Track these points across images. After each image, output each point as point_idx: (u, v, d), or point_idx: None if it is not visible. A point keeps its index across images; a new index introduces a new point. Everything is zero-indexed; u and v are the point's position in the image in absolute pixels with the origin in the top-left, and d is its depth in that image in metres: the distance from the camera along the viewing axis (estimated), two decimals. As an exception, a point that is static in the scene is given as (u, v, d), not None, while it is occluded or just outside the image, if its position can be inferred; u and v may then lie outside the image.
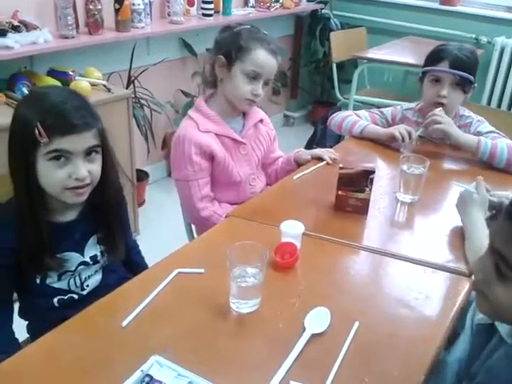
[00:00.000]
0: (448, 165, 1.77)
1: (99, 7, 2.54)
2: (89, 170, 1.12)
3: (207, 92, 1.71)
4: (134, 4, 2.71)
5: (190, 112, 1.67)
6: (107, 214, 1.24)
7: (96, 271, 1.28)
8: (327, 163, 1.70)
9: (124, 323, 0.99)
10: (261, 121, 1.77)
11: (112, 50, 2.75)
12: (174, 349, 0.93)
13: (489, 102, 3.53)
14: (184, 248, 1.24)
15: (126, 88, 2.83)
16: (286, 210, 1.44)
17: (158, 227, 2.82)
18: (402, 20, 3.81)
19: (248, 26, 1.63)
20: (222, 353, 0.95)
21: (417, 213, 1.47)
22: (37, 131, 1.04)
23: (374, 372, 0.91)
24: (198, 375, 0.87)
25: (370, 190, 1.37)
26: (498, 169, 1.68)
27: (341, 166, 1.38)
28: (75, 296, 1.25)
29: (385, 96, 3.40)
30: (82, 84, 2.32)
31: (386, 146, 1.83)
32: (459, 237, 1.31)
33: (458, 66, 1.72)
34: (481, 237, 1.24)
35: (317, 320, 1.01)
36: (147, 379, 0.86)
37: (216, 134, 1.63)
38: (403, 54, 3.42)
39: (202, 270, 1.14)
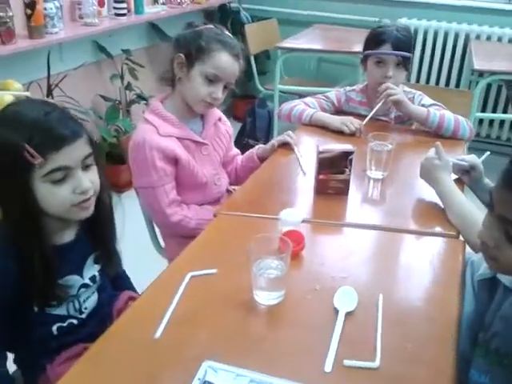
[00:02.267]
0: (401, 139, 1.87)
1: (10, 14, 2.34)
2: (90, 180, 1.04)
3: (164, 91, 1.65)
4: (45, 8, 2.53)
5: (147, 115, 1.61)
6: (104, 228, 1.17)
7: (93, 292, 1.21)
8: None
9: (156, 335, 0.95)
10: (219, 119, 1.75)
11: (27, 59, 2.56)
12: (219, 351, 0.91)
13: (418, 80, 3.77)
14: (187, 251, 1.21)
15: (47, 97, 2.65)
16: (271, 200, 1.46)
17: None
18: (308, 9, 3.94)
19: (211, 26, 1.59)
20: (267, 346, 0.94)
21: (390, 187, 1.54)
22: (27, 153, 0.95)
23: (413, 337, 0.96)
24: (255, 371, 0.86)
25: (350, 170, 1.42)
26: (444, 137, 1.81)
27: (320, 150, 1.41)
28: (74, 321, 1.17)
29: (304, 84, 3.51)
30: (4, 98, 2.13)
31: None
32: (435, 202, 1.40)
33: (400, 47, 1.82)
34: (460, 200, 1.33)
35: (345, 299, 1.04)
36: (207, 386, 0.83)
37: (177, 138, 1.59)
38: (316, 41, 3.57)
39: (215, 271, 1.12)
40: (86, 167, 1.05)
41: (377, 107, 1.83)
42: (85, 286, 1.16)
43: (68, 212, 1.04)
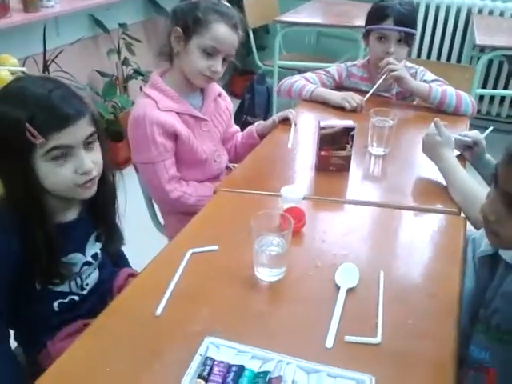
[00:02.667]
0: (403, 115, 1.85)
1: (4, -14, 2.30)
2: (92, 160, 1.03)
3: (162, 66, 1.62)
4: (40, -19, 2.48)
5: (146, 89, 1.58)
6: (107, 206, 1.16)
7: (94, 269, 1.21)
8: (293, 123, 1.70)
9: (158, 312, 0.95)
10: (219, 95, 1.72)
11: (22, 34, 2.52)
12: (220, 328, 0.91)
13: (419, 55, 3.71)
14: (187, 228, 1.20)
15: (43, 72, 2.61)
16: (271, 177, 1.45)
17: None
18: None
19: None
20: (269, 322, 0.95)
21: (392, 163, 1.53)
22: (28, 133, 0.93)
23: (414, 313, 0.96)
24: (256, 348, 0.86)
25: (351, 146, 1.41)
26: (446, 113, 1.79)
27: (322, 126, 1.40)
28: (76, 297, 1.17)
29: (304, 59, 3.45)
30: (1, 74, 2.10)
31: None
32: (436, 178, 1.40)
33: (402, 22, 1.78)
34: (462, 176, 1.32)
35: (347, 275, 1.04)
36: (209, 362, 0.83)
37: (177, 113, 1.57)
38: (316, 15, 3.50)
39: (216, 247, 1.12)
40: (88, 147, 1.03)
41: (378, 83, 1.81)
42: (87, 263, 1.16)
43: (71, 191, 1.03)
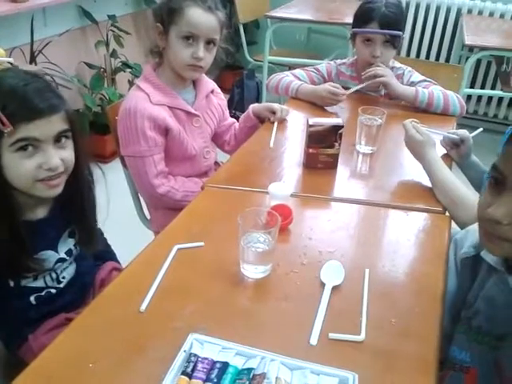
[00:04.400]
0: (391, 113, 1.86)
1: (-9, -25, 2.26)
2: (61, 157, 1.02)
3: (155, 59, 1.61)
4: (28, -30, 2.45)
5: (139, 82, 1.58)
6: (82, 205, 1.15)
7: (70, 263, 1.20)
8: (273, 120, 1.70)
9: (142, 307, 0.95)
10: (212, 91, 1.71)
11: (10, 24, 2.48)
12: (205, 324, 0.91)
13: (408, 54, 3.72)
14: (173, 224, 1.20)
15: (30, 63, 2.58)
16: (259, 174, 1.45)
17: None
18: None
19: None
20: (253, 319, 0.95)
21: (379, 162, 1.54)
22: None
23: (398, 312, 0.97)
24: (240, 344, 0.86)
25: (339, 144, 1.41)
26: (436, 113, 1.80)
27: (310, 123, 1.40)
28: (52, 290, 1.17)
29: (294, 55, 3.45)
30: (-13, 63, 2.07)
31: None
32: (423, 177, 1.40)
33: (387, 25, 1.77)
34: (446, 176, 1.32)
35: (332, 273, 1.04)
36: (193, 358, 0.83)
37: (169, 107, 1.56)
38: (307, 11, 3.50)
39: (202, 243, 1.12)
40: (59, 144, 1.03)
41: (362, 85, 1.82)
42: (61, 260, 1.16)
43: (33, 187, 1.02)
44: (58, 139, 1.02)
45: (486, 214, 0.84)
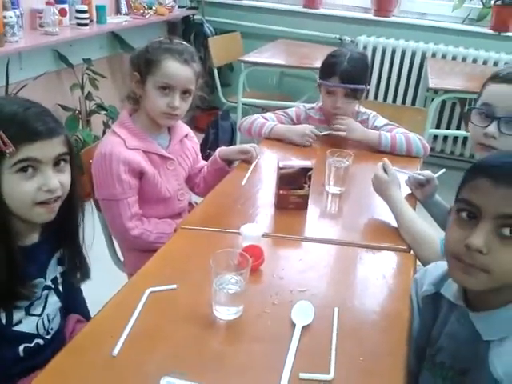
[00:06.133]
0: (359, 154, 1.93)
1: (-31, 21, 2.30)
2: (59, 180, 1.04)
3: (131, 105, 1.65)
4: (5, 17, 2.50)
5: (115, 127, 1.62)
6: (74, 231, 1.16)
7: (53, 295, 1.18)
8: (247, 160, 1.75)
9: (115, 352, 0.95)
10: (186, 136, 1.76)
11: (-15, 68, 2.51)
12: (178, 367, 0.92)
13: (376, 97, 3.86)
14: (146, 267, 1.21)
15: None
16: (231, 215, 1.48)
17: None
18: (271, 24, 3.98)
19: (161, 39, 1.61)
20: (225, 362, 0.96)
21: (347, 202, 1.59)
22: (0, 141, 0.95)
23: (366, 350, 0.99)
24: (213, 387, 0.88)
25: (309, 186, 1.46)
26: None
27: (281, 166, 1.45)
28: (41, 341, 1.16)
29: (267, 97, 3.55)
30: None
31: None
32: (389, 216, 1.45)
33: (348, 79, 1.85)
34: (410, 216, 1.37)
35: (302, 313, 1.07)
36: (166, 402, 0.84)
37: (144, 151, 1.60)
38: (279, 56, 3.63)
39: (175, 286, 1.13)
40: (58, 167, 1.04)
41: (327, 132, 1.92)
42: (47, 287, 1.15)
43: (31, 211, 1.02)
44: (57, 162, 1.04)
45: (464, 247, 0.85)
